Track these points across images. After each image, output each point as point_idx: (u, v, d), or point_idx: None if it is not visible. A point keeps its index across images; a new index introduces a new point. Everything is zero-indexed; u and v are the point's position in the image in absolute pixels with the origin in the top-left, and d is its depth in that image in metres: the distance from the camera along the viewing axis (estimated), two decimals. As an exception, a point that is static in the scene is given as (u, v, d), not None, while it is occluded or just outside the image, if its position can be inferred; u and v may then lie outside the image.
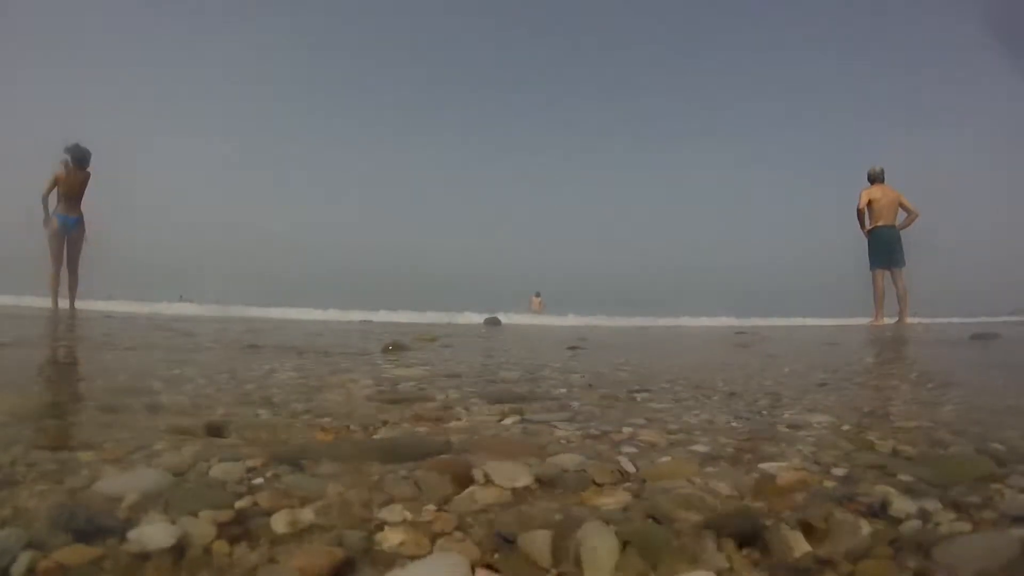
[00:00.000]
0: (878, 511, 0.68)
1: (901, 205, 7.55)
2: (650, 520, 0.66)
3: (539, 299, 21.65)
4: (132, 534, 0.59)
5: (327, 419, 1.19)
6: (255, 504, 0.69)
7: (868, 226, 7.62)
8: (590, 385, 1.78)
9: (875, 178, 7.92)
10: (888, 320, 7.34)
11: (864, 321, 7.64)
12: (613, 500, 0.73)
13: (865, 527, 0.64)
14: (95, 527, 0.60)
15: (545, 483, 0.79)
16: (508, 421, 1.21)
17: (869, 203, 7.55)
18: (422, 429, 1.12)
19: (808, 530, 0.63)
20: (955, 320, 9.05)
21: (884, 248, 7.72)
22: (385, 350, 2.95)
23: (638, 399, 1.52)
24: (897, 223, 7.55)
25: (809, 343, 4.48)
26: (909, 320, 7.34)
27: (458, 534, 0.63)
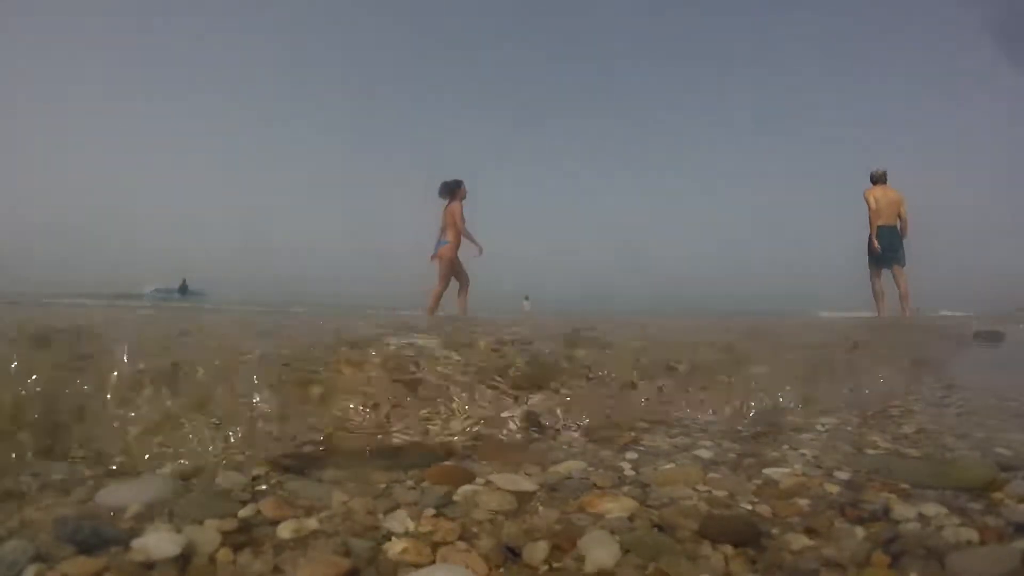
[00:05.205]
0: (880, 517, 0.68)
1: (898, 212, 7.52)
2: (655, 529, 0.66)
3: (527, 302, 21.52)
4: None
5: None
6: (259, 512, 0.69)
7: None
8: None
9: (878, 179, 7.88)
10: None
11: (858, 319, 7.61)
12: (616, 505, 0.73)
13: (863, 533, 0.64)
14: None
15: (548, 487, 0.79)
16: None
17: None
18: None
19: (810, 535, 0.63)
20: (958, 315, 9.01)
21: (884, 247, 7.67)
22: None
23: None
24: (898, 224, 7.53)
25: (809, 341, 4.45)
26: (911, 317, 7.30)
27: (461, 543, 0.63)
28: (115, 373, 1.11)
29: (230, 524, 0.65)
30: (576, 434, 1.13)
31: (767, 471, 0.87)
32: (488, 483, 0.80)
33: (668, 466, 0.90)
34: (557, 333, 2.44)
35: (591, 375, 1.56)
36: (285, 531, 0.64)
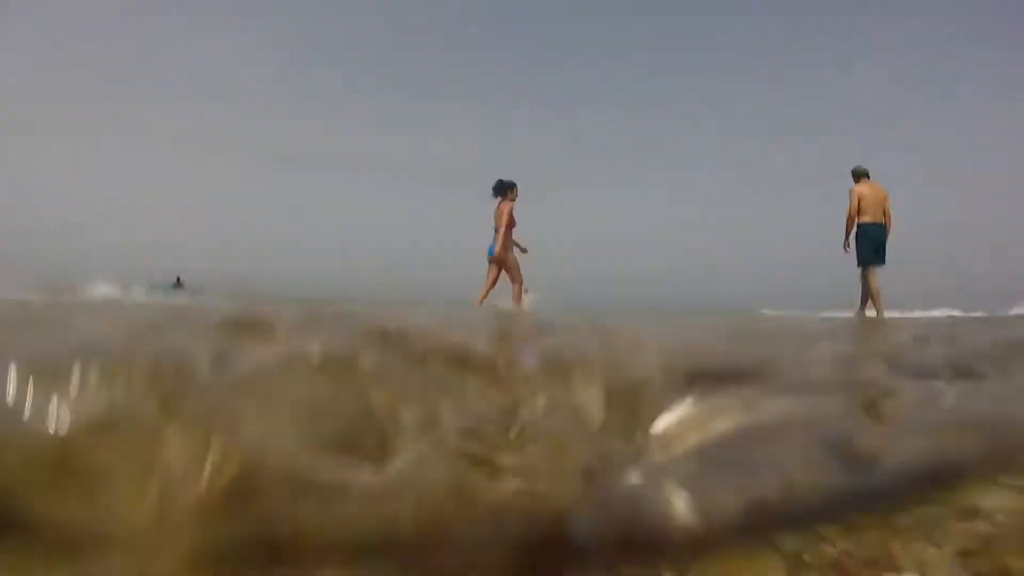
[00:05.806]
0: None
1: (883, 209, 7.44)
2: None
3: (529, 295, 21.45)
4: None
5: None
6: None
7: (855, 223, 7.47)
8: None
9: (862, 175, 7.74)
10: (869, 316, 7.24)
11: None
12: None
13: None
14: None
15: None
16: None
17: (858, 201, 7.43)
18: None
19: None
20: (956, 313, 8.70)
21: (870, 245, 7.55)
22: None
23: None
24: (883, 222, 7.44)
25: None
26: (886, 315, 7.22)
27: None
28: None
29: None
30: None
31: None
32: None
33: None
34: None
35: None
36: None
